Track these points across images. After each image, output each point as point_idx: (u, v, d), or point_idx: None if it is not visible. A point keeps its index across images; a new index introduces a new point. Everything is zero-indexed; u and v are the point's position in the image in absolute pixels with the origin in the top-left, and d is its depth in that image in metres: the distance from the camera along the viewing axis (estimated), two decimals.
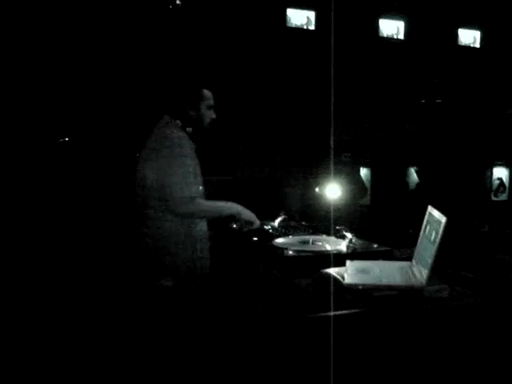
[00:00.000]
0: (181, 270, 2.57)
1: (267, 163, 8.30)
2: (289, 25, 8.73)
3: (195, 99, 2.69)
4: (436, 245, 2.14)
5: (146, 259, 2.62)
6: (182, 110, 2.69)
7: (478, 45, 10.21)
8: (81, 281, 4.71)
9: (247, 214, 2.73)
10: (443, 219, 2.14)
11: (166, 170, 2.48)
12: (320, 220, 3.88)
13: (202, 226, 2.67)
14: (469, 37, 10.14)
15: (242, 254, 2.88)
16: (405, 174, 10.19)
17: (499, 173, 10.88)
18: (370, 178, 9.63)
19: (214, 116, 2.77)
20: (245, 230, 2.78)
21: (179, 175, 2.47)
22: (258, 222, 2.76)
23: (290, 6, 8.75)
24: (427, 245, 2.29)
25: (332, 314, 1.80)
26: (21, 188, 5.87)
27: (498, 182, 10.88)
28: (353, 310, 1.88)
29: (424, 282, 2.14)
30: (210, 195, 3.00)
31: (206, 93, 2.73)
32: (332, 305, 1.91)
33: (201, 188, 2.68)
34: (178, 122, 2.68)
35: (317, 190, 3.91)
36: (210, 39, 7.73)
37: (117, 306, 3.84)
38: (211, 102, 2.74)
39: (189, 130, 2.70)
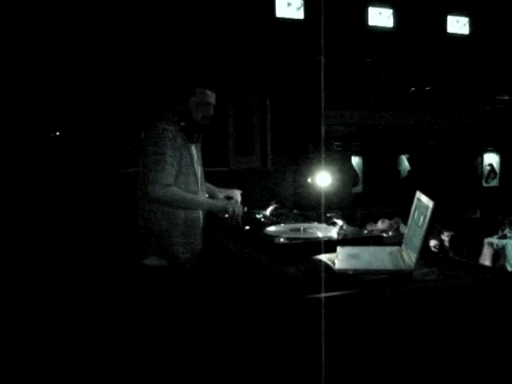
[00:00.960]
0: (166, 252, 2.68)
1: (259, 154, 8.32)
2: (277, 15, 8.74)
3: (184, 95, 2.76)
4: (424, 229, 2.17)
5: (138, 241, 2.75)
6: (173, 106, 2.77)
7: (466, 31, 10.24)
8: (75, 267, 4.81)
9: (234, 210, 2.84)
10: (430, 204, 2.17)
11: (143, 159, 2.65)
12: (312, 208, 3.91)
13: (189, 213, 2.75)
14: (457, 24, 10.17)
15: (234, 241, 2.90)
16: (396, 162, 10.24)
17: (490, 159, 10.95)
18: (361, 166, 9.67)
19: (209, 114, 2.81)
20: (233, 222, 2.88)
21: (152, 163, 2.59)
22: (239, 219, 2.91)
23: None
24: (416, 229, 2.32)
25: (323, 295, 1.83)
26: (15, 180, 5.89)
27: (488, 168, 10.95)
28: (343, 292, 1.91)
29: (413, 265, 2.17)
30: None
31: (200, 90, 2.77)
32: (323, 289, 1.94)
33: (194, 177, 2.78)
34: (176, 117, 2.76)
35: (309, 180, 3.94)
36: (202, 32, 7.73)
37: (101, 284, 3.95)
38: (207, 99, 2.78)
39: (182, 124, 2.76)
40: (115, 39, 7.07)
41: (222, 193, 3.23)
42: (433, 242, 6.15)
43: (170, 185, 2.61)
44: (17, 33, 6.38)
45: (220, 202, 2.98)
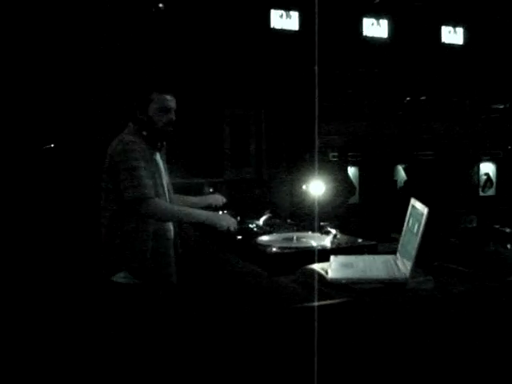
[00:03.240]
0: (135, 268, 2.55)
1: (254, 164, 8.29)
2: (272, 26, 8.75)
3: (143, 102, 2.66)
4: (419, 236, 2.12)
5: (102, 255, 2.63)
6: (133, 114, 2.69)
7: (461, 41, 10.26)
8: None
9: (216, 221, 2.67)
10: (425, 210, 2.13)
11: (117, 174, 2.52)
12: (307, 218, 3.86)
13: (160, 226, 2.63)
14: (452, 34, 10.19)
15: (225, 251, 2.85)
16: (393, 172, 10.21)
17: (486, 168, 10.93)
18: (357, 176, 9.64)
19: (170, 119, 2.69)
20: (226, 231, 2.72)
21: (127, 178, 2.48)
22: (231, 227, 2.69)
23: (273, 7, 8.78)
24: (410, 237, 2.27)
25: (316, 304, 1.78)
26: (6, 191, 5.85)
27: (485, 177, 10.93)
28: (336, 301, 1.87)
29: (408, 274, 2.12)
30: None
31: (157, 95, 2.67)
32: (316, 298, 1.89)
33: (162, 190, 2.67)
34: (137, 127, 2.67)
35: (304, 187, 3.89)
36: (197, 43, 7.72)
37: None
38: (165, 104, 2.67)
39: (144, 133, 2.66)
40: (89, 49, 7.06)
41: (203, 201, 3.12)
42: None
43: (151, 198, 2.51)
44: None
45: (200, 211, 2.77)
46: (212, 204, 3.12)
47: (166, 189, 2.74)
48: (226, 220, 2.68)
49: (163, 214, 2.59)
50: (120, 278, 2.55)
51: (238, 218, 3.59)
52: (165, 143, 2.77)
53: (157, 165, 2.68)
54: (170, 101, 2.70)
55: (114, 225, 2.57)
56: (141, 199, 2.48)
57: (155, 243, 2.59)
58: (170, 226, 2.72)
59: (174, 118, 2.71)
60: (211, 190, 3.74)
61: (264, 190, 7.41)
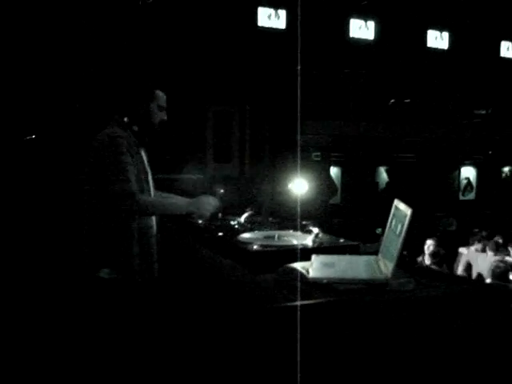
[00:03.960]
0: (119, 263, 2.52)
1: (237, 161, 8.26)
2: (259, 24, 8.74)
3: (146, 98, 2.67)
4: (401, 237, 2.11)
5: (87, 252, 2.59)
6: (131, 109, 2.67)
7: (446, 46, 10.35)
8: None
9: (201, 211, 2.64)
10: (408, 211, 2.11)
11: (102, 169, 2.48)
12: (289, 216, 3.85)
13: (143, 222, 2.59)
14: (437, 38, 10.27)
15: (206, 248, 2.82)
16: (375, 173, 10.27)
17: (467, 172, 11.05)
18: (340, 176, 9.68)
19: (164, 118, 2.72)
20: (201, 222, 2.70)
21: (115, 173, 2.45)
22: (207, 214, 2.67)
23: (260, 5, 8.76)
24: (393, 238, 2.26)
25: (299, 303, 1.76)
26: None
27: (465, 181, 11.05)
28: (318, 300, 1.84)
29: (389, 275, 2.11)
30: (182, 193, 2.96)
31: (159, 93, 2.70)
32: (299, 297, 1.87)
33: (147, 185, 2.64)
34: (125, 119, 2.64)
35: (290, 185, 3.88)
36: (183, 39, 7.67)
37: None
38: (163, 103, 2.72)
39: (135, 128, 2.65)
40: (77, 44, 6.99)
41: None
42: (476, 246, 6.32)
43: (136, 193, 2.47)
44: None
45: (181, 202, 2.71)
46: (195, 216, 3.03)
47: (151, 185, 2.71)
48: (207, 207, 2.65)
49: (148, 209, 2.56)
50: (105, 273, 2.52)
51: (220, 214, 3.57)
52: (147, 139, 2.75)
53: (142, 160, 2.65)
54: (164, 100, 2.74)
55: (98, 220, 2.54)
56: (126, 195, 2.44)
57: (139, 240, 2.56)
58: (153, 222, 2.68)
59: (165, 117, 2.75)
60: (222, 191, 3.65)
61: (246, 187, 7.39)
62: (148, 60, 7.10)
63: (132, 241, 2.53)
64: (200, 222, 3.22)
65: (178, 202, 2.73)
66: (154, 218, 2.68)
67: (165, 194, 2.94)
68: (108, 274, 2.51)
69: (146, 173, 2.67)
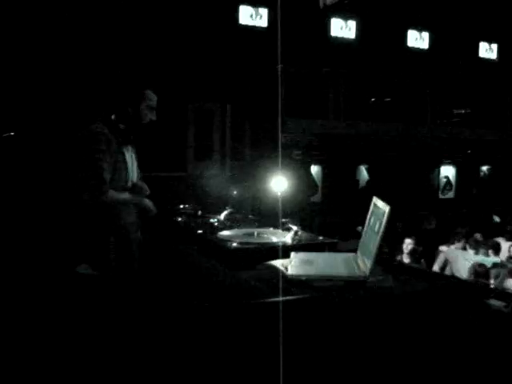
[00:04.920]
0: (96, 259, 2.54)
1: (218, 159, 8.24)
2: (240, 22, 8.71)
3: (137, 98, 2.69)
4: (380, 235, 2.12)
5: (65, 246, 2.67)
6: (121, 108, 2.69)
7: (426, 46, 10.43)
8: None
9: (146, 204, 2.75)
10: (387, 209, 2.12)
11: (80, 164, 2.52)
12: (269, 214, 3.85)
13: (126, 218, 2.63)
14: (417, 38, 10.35)
15: (187, 245, 2.81)
16: (355, 172, 10.32)
17: (446, 171, 11.16)
18: (321, 175, 9.70)
19: (154, 118, 2.75)
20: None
21: (88, 168, 2.48)
22: (153, 211, 2.79)
23: (241, 3, 8.74)
24: (371, 235, 2.27)
25: (281, 299, 1.76)
26: None
27: (445, 180, 11.16)
28: (297, 297, 1.85)
29: (367, 272, 2.12)
30: (161, 190, 2.98)
31: (150, 94, 2.73)
32: (280, 294, 1.87)
33: (125, 183, 2.65)
34: (112, 117, 2.66)
35: (270, 183, 3.87)
36: (162, 35, 7.62)
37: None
38: (153, 103, 2.74)
39: (121, 126, 2.66)
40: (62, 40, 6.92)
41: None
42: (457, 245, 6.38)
43: (105, 185, 2.50)
44: None
45: (134, 196, 2.77)
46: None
47: (129, 183, 2.69)
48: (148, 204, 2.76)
49: (115, 201, 2.58)
50: (83, 269, 2.52)
51: (200, 212, 3.56)
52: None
53: (124, 160, 2.64)
54: (155, 101, 2.76)
55: (77, 216, 2.56)
56: (98, 191, 2.47)
57: (117, 236, 2.58)
58: (134, 219, 2.69)
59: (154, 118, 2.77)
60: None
61: (226, 185, 7.38)
62: (133, 58, 7.05)
63: (109, 238, 2.54)
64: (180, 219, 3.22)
65: (136, 197, 2.76)
66: (134, 215, 2.68)
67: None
68: (87, 270, 2.50)
69: (128, 171, 2.66)
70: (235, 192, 3.73)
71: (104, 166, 2.49)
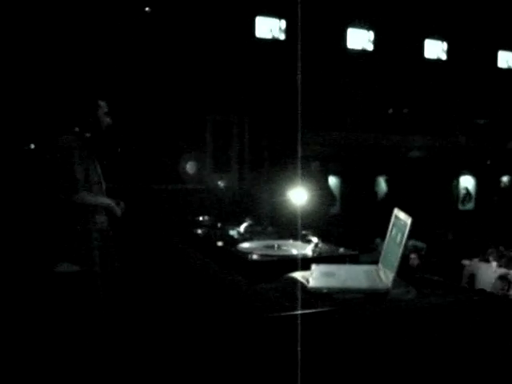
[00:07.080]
0: (81, 256, 2.78)
1: (236, 171, 8.25)
2: (258, 34, 8.76)
3: (93, 108, 3.00)
4: (402, 246, 2.10)
5: (45, 246, 2.91)
6: (82, 118, 2.99)
7: (444, 57, 10.39)
8: None
9: (113, 207, 3.00)
10: (409, 221, 2.11)
11: (55, 171, 2.84)
12: (289, 226, 3.83)
13: (103, 222, 2.90)
14: (435, 48, 10.31)
15: (205, 257, 2.81)
16: (373, 183, 10.25)
17: (466, 182, 11.04)
18: (339, 186, 9.66)
19: (110, 122, 3.06)
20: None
21: (63, 173, 2.80)
22: (118, 213, 3.01)
23: (259, 15, 8.79)
24: (393, 247, 2.25)
25: (299, 312, 1.75)
26: None
27: (464, 191, 11.04)
28: (317, 310, 1.83)
29: (389, 284, 2.10)
30: (179, 202, 3.13)
31: (101, 102, 3.07)
32: (299, 306, 1.86)
33: (99, 188, 2.97)
34: (76, 129, 2.94)
35: (289, 195, 3.87)
36: (183, 49, 7.68)
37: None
38: (106, 109, 3.07)
39: (87, 135, 2.94)
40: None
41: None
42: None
43: (78, 189, 2.79)
44: None
45: (105, 199, 3.07)
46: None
47: (103, 186, 3.01)
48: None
49: (89, 202, 2.87)
50: (63, 267, 2.73)
51: (219, 224, 3.56)
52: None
53: (95, 170, 2.97)
54: (106, 107, 3.08)
55: (57, 217, 2.83)
56: (72, 192, 2.77)
57: (98, 236, 2.85)
58: (103, 218, 2.94)
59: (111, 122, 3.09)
60: (222, 184, 3.90)
61: (245, 198, 7.38)
62: (147, 70, 7.11)
63: (92, 237, 2.84)
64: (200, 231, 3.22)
65: (102, 199, 3.05)
66: (104, 214, 2.97)
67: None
68: (66, 268, 2.71)
69: (101, 183, 3.02)
70: (254, 204, 3.73)
71: (77, 174, 2.80)
